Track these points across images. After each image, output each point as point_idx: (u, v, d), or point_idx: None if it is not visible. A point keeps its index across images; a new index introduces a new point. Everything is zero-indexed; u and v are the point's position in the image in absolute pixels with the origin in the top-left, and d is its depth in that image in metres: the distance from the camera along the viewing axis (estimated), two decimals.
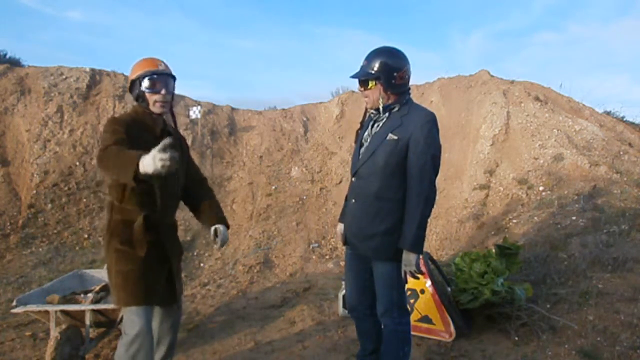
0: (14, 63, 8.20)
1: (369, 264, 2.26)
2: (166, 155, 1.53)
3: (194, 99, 8.58)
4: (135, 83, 2.08)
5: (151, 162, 1.55)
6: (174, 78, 2.15)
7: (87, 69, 7.86)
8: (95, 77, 7.81)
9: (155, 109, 2.08)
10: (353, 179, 2.21)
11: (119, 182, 1.97)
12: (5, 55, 8.53)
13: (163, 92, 2.06)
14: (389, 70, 2.07)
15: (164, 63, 2.14)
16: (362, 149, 2.20)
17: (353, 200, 2.20)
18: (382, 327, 2.28)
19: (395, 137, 2.06)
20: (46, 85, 7.30)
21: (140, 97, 2.09)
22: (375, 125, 2.19)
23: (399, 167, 2.07)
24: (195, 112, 7.70)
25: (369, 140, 2.18)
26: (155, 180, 1.76)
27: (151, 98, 2.06)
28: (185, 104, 8.19)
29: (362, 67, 2.13)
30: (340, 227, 2.41)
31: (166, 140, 1.57)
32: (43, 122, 6.83)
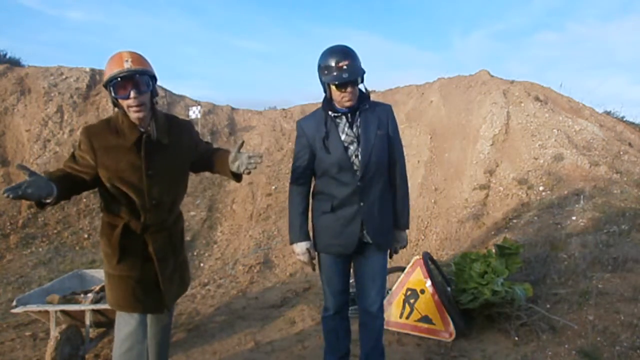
0: (14, 63, 8.21)
1: (349, 264, 2.32)
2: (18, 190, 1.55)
3: (194, 99, 8.59)
4: (107, 89, 1.85)
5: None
6: (147, 73, 1.84)
7: (87, 69, 7.86)
8: (95, 77, 7.81)
9: (132, 114, 1.83)
10: (359, 183, 2.09)
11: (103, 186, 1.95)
12: (5, 55, 8.55)
13: (132, 94, 1.78)
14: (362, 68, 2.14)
15: (134, 57, 1.82)
16: (351, 152, 2.11)
17: (361, 204, 2.12)
18: (372, 324, 2.30)
19: (382, 133, 2.17)
20: (46, 85, 7.30)
21: (116, 104, 1.88)
22: (354, 125, 2.13)
23: (389, 159, 2.22)
24: (195, 112, 7.70)
25: (355, 142, 2.11)
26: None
27: (123, 104, 1.83)
28: (185, 104, 8.20)
29: (352, 67, 2.04)
30: (307, 245, 2.21)
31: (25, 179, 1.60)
32: (43, 122, 6.83)
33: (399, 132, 2.30)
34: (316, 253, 2.27)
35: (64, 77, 7.58)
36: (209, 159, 2.16)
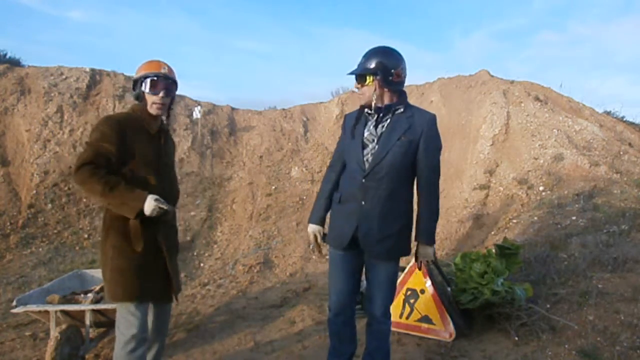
0: (14, 63, 8.20)
1: (362, 265, 2.29)
2: (161, 206, 1.92)
3: (194, 99, 8.59)
4: (137, 82, 2.12)
5: (149, 208, 1.91)
6: (175, 84, 2.19)
7: (87, 69, 7.86)
8: (95, 77, 7.81)
9: (152, 110, 2.11)
10: (363, 181, 2.12)
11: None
12: (5, 55, 8.54)
13: (161, 94, 2.09)
14: (386, 67, 2.10)
15: (169, 67, 2.17)
16: (368, 150, 2.15)
17: (362, 203, 2.13)
18: (377, 327, 2.29)
19: (407, 139, 2.10)
20: (46, 85, 7.30)
21: (140, 97, 2.13)
22: (380, 125, 2.15)
23: (412, 168, 2.16)
24: (196, 113, 7.73)
25: (375, 141, 2.14)
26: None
27: (149, 99, 2.10)
28: (185, 104, 8.19)
29: (359, 64, 2.17)
30: (315, 228, 2.32)
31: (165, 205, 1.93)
32: (43, 122, 6.83)
33: (439, 144, 2.19)
34: (322, 240, 2.32)
35: (64, 77, 7.58)
36: None
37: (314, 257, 5.60)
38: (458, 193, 6.06)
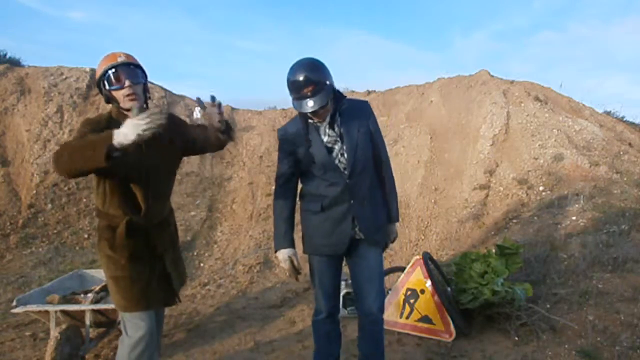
0: (14, 63, 8.20)
1: (341, 264, 2.33)
2: (144, 119, 1.51)
3: (194, 99, 8.58)
4: (100, 84, 1.93)
5: (131, 129, 1.51)
6: (140, 68, 1.97)
7: (87, 69, 7.85)
8: (96, 77, 7.81)
9: (126, 104, 1.90)
10: (347, 181, 2.10)
11: (97, 180, 1.90)
12: (5, 55, 8.52)
13: (127, 83, 1.87)
14: (331, 80, 2.03)
15: (126, 54, 1.96)
16: (336, 152, 2.11)
17: (352, 201, 2.13)
18: (371, 328, 2.26)
19: (363, 129, 2.17)
20: (46, 85, 7.30)
21: (110, 98, 1.94)
22: (335, 125, 2.12)
23: (374, 154, 2.24)
24: (196, 113, 7.71)
25: (339, 141, 2.11)
26: (133, 154, 1.64)
27: (118, 95, 1.90)
28: (185, 104, 8.19)
29: (314, 93, 1.95)
30: (290, 252, 2.19)
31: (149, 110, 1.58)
32: (43, 122, 6.82)
33: (379, 125, 2.32)
34: (298, 262, 2.22)
35: (64, 77, 7.58)
36: (203, 139, 2.26)
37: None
38: (458, 193, 6.06)
